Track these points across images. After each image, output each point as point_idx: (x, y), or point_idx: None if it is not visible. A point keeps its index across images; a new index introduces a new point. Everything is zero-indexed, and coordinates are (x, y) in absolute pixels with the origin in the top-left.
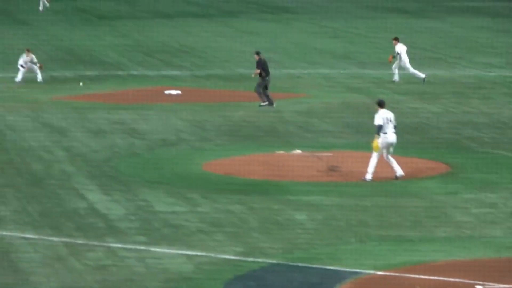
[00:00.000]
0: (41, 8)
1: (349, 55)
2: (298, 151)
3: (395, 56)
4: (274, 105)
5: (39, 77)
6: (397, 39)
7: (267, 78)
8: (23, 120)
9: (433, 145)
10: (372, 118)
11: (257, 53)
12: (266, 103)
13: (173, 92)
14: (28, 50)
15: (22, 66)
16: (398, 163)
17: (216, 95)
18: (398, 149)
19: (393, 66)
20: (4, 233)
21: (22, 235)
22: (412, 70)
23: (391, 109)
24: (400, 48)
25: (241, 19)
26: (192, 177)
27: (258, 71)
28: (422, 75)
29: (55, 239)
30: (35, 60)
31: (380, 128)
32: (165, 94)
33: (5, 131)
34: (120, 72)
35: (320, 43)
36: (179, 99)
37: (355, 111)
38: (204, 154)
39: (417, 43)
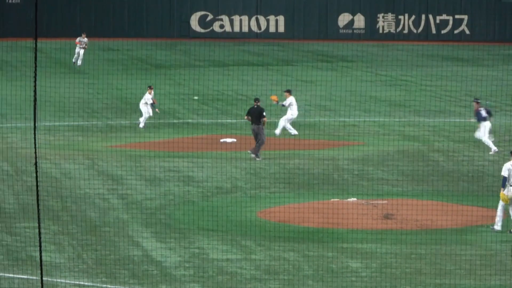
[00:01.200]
0: (74, 60)
1: (405, 103)
2: (353, 199)
3: (285, 106)
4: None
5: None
6: (289, 91)
7: (252, 125)
8: (79, 167)
9: (489, 193)
10: (428, 166)
11: (256, 100)
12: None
13: (229, 140)
14: (150, 88)
15: (149, 103)
16: (455, 211)
17: (271, 143)
18: (455, 197)
19: (283, 119)
20: (59, 280)
21: (77, 282)
22: (287, 125)
23: (446, 157)
24: (291, 100)
25: (297, 68)
26: (246, 225)
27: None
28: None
29: (110, 286)
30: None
31: (504, 180)
32: (220, 142)
33: (61, 178)
34: (175, 121)
35: (375, 91)
36: (235, 147)
37: (410, 159)
38: (258, 202)
39: (472, 91)
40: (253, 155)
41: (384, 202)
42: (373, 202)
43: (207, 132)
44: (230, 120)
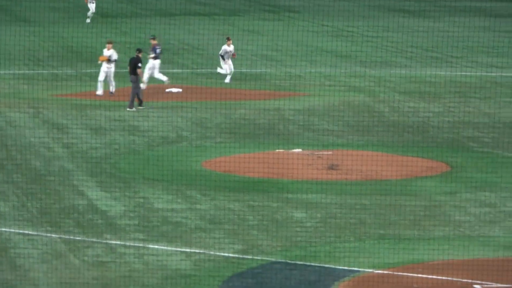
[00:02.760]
0: (88, 20)
1: (350, 54)
2: (298, 150)
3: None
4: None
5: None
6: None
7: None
8: (24, 116)
9: (434, 144)
10: (373, 117)
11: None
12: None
13: (174, 90)
14: (228, 39)
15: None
16: (399, 162)
17: (217, 93)
18: (399, 148)
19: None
20: (3, 229)
21: (21, 231)
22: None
23: (391, 108)
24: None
25: (243, 18)
26: (191, 175)
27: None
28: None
29: (54, 235)
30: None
31: None
32: (165, 92)
33: (5, 127)
34: (120, 70)
35: (321, 42)
36: (180, 97)
37: (355, 110)
38: (204, 152)
39: (418, 42)
40: (128, 109)
41: (328, 153)
42: (318, 153)
43: (152, 82)
44: (175, 70)
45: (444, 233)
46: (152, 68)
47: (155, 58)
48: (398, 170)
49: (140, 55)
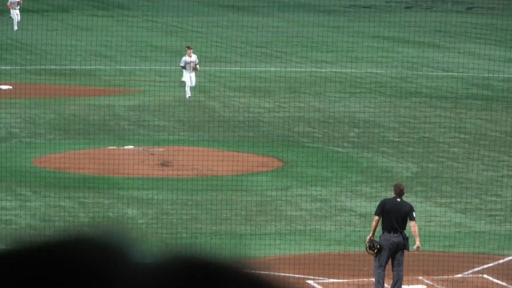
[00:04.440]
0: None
1: (181, 50)
2: (130, 147)
3: None
4: None
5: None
6: None
7: None
8: None
9: (265, 140)
10: (205, 113)
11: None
12: None
13: (4, 87)
14: (189, 48)
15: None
16: (231, 157)
17: (47, 89)
18: (230, 144)
19: None
20: None
21: None
22: None
23: (223, 104)
24: None
25: (73, 14)
26: (22, 172)
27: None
28: None
29: None
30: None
31: None
32: None
33: None
34: None
35: (154, 39)
36: (10, 94)
37: (188, 106)
38: (35, 149)
39: (249, 38)
40: None
41: (161, 149)
42: (150, 149)
43: None
44: (5, 67)
45: (277, 228)
46: None
47: None
48: (230, 166)
49: None
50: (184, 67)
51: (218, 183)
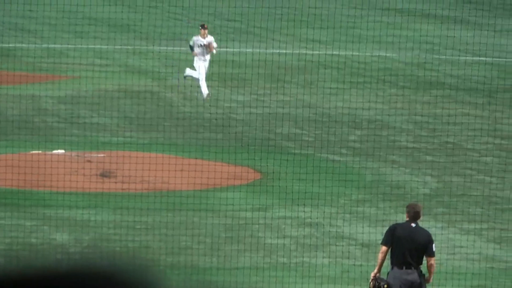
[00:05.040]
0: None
1: (129, 23)
2: (60, 151)
3: None
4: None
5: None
6: None
7: None
8: None
9: (239, 144)
10: (159, 108)
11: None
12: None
13: None
14: (203, 28)
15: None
16: (192, 167)
17: None
18: (193, 149)
19: None
20: None
21: None
22: None
23: (183, 96)
24: None
25: None
26: None
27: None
28: None
29: None
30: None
31: None
32: None
33: None
34: None
35: (92, 9)
36: None
37: (137, 99)
38: None
39: (220, 10)
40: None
41: (101, 155)
42: (87, 155)
43: None
44: None
45: (253, 261)
46: None
47: None
48: (192, 178)
49: None
50: (192, 49)
51: (176, 200)
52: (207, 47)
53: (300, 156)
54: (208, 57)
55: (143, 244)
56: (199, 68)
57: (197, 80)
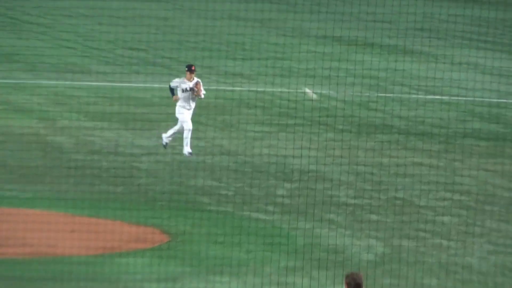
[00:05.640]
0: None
1: (13, 54)
2: None
3: None
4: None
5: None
6: None
7: None
8: None
9: (143, 199)
10: (46, 156)
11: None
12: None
13: None
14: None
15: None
16: (86, 227)
17: None
18: (86, 204)
19: None
20: None
21: None
22: None
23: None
24: None
25: None
26: None
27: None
28: None
29: None
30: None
31: None
32: None
33: None
34: None
35: None
36: None
37: (18, 143)
38: None
39: (121, 37)
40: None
41: None
42: None
43: None
44: None
45: None
46: None
47: None
48: (85, 241)
49: None
50: (172, 92)
51: (64, 268)
52: (193, 91)
53: (217, 214)
54: (193, 105)
55: None
56: (184, 120)
57: (184, 131)
